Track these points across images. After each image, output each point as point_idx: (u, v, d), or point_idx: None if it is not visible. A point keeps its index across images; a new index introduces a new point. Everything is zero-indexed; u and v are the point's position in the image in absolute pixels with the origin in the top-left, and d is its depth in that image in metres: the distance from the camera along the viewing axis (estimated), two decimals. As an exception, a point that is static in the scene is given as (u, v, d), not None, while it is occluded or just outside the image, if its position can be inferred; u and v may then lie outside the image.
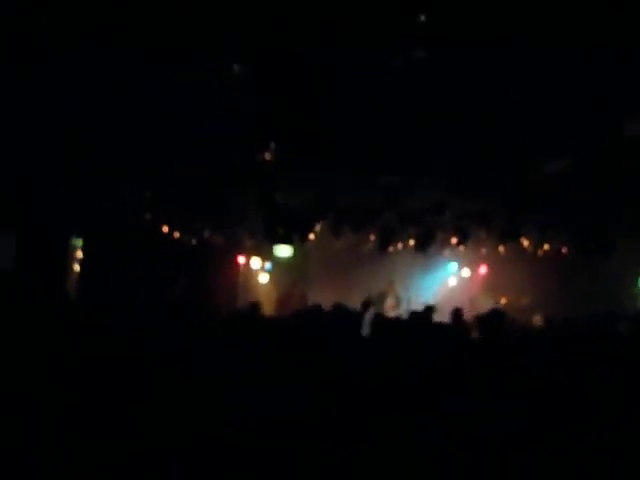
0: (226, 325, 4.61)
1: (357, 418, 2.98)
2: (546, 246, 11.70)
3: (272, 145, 7.33)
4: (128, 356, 3.61)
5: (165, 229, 10.63)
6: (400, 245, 12.01)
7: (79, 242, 9.65)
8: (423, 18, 4.42)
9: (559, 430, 2.98)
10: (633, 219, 9.18)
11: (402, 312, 10.93)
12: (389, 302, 12.51)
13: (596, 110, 5.66)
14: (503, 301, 12.92)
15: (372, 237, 11.60)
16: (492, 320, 5.05)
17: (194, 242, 11.76)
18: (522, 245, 11.53)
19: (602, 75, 4.97)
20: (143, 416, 2.98)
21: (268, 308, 11.91)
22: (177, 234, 11.02)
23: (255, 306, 6.26)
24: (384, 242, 11.06)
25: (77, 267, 9.73)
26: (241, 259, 13.25)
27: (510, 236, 10.56)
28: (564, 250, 11.79)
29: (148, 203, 9.33)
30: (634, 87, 5.19)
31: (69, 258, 9.51)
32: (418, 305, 11.71)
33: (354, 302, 8.02)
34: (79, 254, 9.73)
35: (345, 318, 5.30)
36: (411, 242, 11.42)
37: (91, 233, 9.37)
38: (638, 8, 4.12)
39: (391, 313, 11.77)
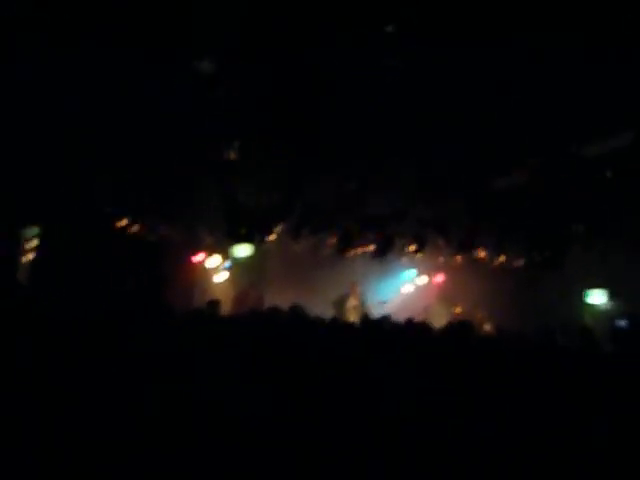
0: (184, 324, 4.53)
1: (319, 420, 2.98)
2: (502, 258, 11.94)
3: (236, 144, 7.29)
4: (77, 350, 3.52)
5: (123, 223, 10.46)
6: (359, 250, 12.09)
7: (34, 231, 9.42)
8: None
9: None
10: (583, 233, 9.44)
11: (362, 313, 11.01)
12: (351, 303, 12.51)
13: (553, 129, 5.81)
14: (457, 310, 13.10)
15: (332, 241, 11.66)
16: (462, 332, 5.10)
17: (152, 238, 11.59)
18: (479, 256, 11.75)
19: (558, 96, 5.10)
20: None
21: (224, 307, 11.81)
22: (135, 228, 10.84)
23: (214, 305, 6.21)
24: (344, 246, 11.12)
25: (29, 257, 9.49)
26: (199, 257, 13.11)
27: (467, 246, 10.74)
28: (517, 262, 12.05)
29: (107, 195, 9.17)
30: (591, 111, 5.34)
31: (21, 247, 9.28)
32: (375, 308, 11.87)
33: (312, 304, 8.02)
34: (32, 243, 9.50)
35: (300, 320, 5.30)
36: (370, 247, 11.51)
37: (47, 223, 9.17)
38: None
39: (353, 315, 11.83)
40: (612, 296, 11.81)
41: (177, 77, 5.27)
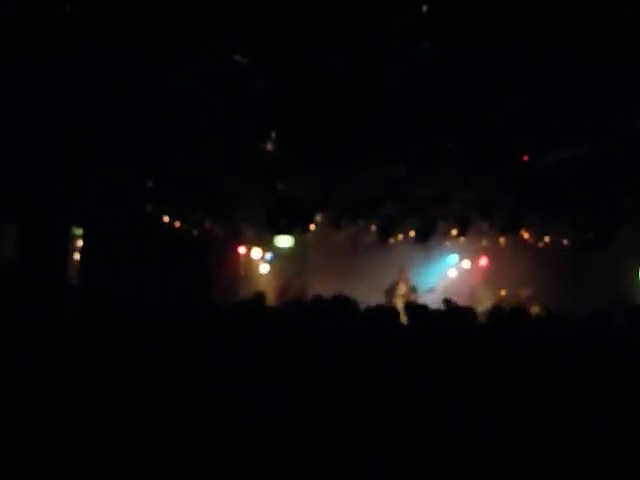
0: (231, 317, 4.57)
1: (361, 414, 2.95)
2: (547, 238, 11.71)
3: (273, 135, 7.28)
4: (129, 347, 3.57)
5: (166, 219, 10.62)
6: (401, 236, 12.01)
7: (79, 231, 9.65)
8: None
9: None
10: (632, 210, 9.17)
11: (412, 300, 10.93)
12: (401, 290, 12.42)
13: (600, 103, 5.63)
14: (503, 293, 12.93)
15: (373, 228, 11.61)
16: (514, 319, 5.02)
17: (195, 233, 11.76)
18: (523, 237, 11.54)
19: (610, 71, 4.94)
20: (143, 412, 2.94)
21: (269, 298, 11.90)
22: (178, 224, 11.01)
23: (260, 296, 6.25)
24: (384, 233, 11.04)
25: (77, 256, 9.72)
26: (242, 249, 13.25)
27: (511, 228, 10.55)
28: (565, 242, 11.80)
29: (149, 193, 9.31)
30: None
31: (70, 246, 9.51)
32: (423, 295, 11.76)
33: (355, 292, 8.00)
34: (79, 243, 9.72)
35: (345, 308, 5.28)
36: (412, 233, 11.42)
37: (92, 222, 9.36)
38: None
39: (401, 303, 11.72)
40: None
41: (209, 69, 5.28)
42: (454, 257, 13.91)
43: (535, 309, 10.22)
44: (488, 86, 5.42)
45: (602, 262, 11.09)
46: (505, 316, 5.26)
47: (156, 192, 9.34)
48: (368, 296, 10.40)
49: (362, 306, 5.66)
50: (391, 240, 11.62)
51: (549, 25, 4.25)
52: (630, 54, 4.59)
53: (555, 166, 7.12)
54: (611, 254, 10.32)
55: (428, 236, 10.78)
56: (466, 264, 14.01)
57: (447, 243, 12.97)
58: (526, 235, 11.51)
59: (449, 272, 14.01)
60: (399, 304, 11.54)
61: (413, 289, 12.27)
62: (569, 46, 4.54)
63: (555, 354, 3.81)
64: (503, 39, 4.59)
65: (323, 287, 10.38)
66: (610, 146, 6.40)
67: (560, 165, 7.06)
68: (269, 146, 7.71)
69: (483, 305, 10.23)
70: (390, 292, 12.27)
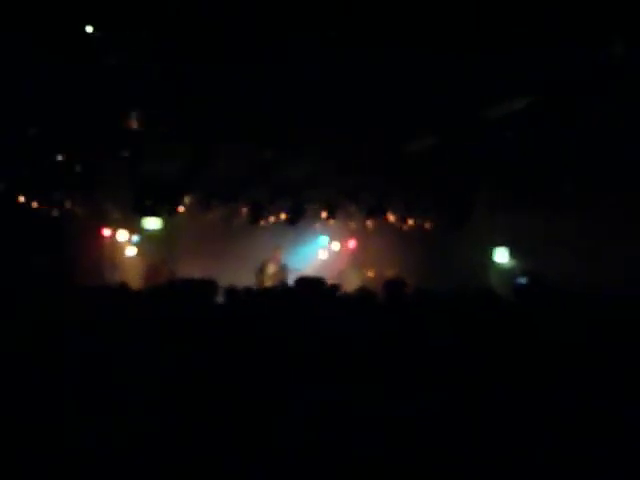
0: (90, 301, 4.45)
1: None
2: (410, 221, 12.26)
3: (138, 112, 7.07)
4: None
5: (21, 199, 9.98)
6: (272, 218, 12.10)
7: None
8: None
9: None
10: (487, 194, 9.81)
11: (281, 279, 11.03)
12: (270, 269, 12.39)
13: (455, 96, 5.99)
14: (370, 274, 13.41)
15: (244, 210, 11.60)
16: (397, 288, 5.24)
17: (55, 214, 11.15)
18: (388, 220, 12.01)
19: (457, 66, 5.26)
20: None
21: (135, 282, 11.60)
22: (35, 205, 10.39)
23: (123, 286, 6.10)
24: (255, 215, 11.09)
25: None
26: (107, 232, 12.75)
27: (377, 212, 10.96)
28: (426, 225, 12.42)
29: (1, 170, 8.71)
30: (492, 75, 5.53)
31: None
32: (292, 273, 11.91)
33: (225, 275, 7.98)
34: None
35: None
36: (282, 215, 11.55)
37: None
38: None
39: (272, 281, 11.74)
40: (513, 254, 12.35)
41: (66, 43, 5.02)
42: (324, 239, 14.19)
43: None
44: (356, 75, 5.59)
45: (460, 245, 11.75)
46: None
47: (9, 170, 8.76)
48: (239, 278, 10.46)
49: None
50: (262, 222, 11.68)
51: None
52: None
53: (415, 154, 7.48)
54: (469, 237, 11.00)
55: (298, 218, 10.96)
56: (336, 246, 14.35)
57: (317, 226, 13.21)
58: (392, 218, 11.97)
59: (320, 254, 14.28)
60: (269, 283, 11.68)
61: (283, 267, 12.40)
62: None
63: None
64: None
65: (193, 270, 10.27)
66: (459, 136, 6.82)
67: (419, 153, 7.43)
68: (134, 123, 7.48)
69: (351, 285, 10.56)
70: (260, 272, 12.34)
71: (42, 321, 3.83)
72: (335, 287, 6.17)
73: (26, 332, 3.57)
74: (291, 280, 9.08)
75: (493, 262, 12.63)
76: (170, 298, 4.90)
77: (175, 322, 3.78)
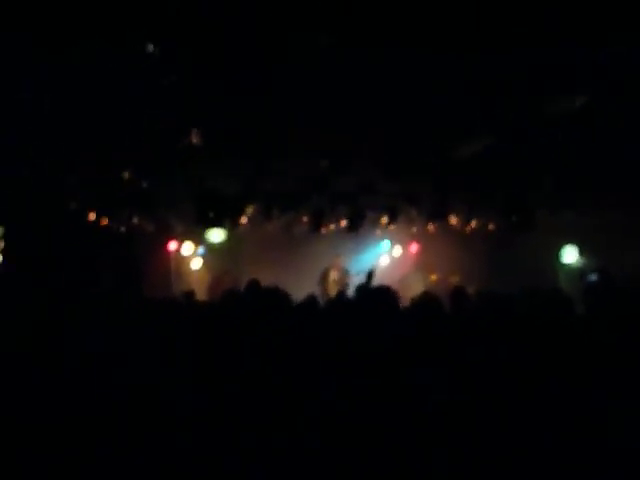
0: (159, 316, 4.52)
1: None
2: (473, 223, 12.08)
3: (197, 129, 7.23)
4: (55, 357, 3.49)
5: (92, 217, 10.37)
6: (332, 226, 12.14)
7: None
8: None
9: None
10: (552, 194, 9.56)
11: (349, 286, 11.06)
12: (333, 276, 12.51)
13: (513, 92, 5.86)
14: (433, 278, 13.27)
15: (304, 219, 11.69)
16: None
17: (123, 230, 11.52)
18: (451, 223, 11.87)
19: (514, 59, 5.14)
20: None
21: (201, 293, 11.84)
22: (105, 222, 10.76)
23: (189, 295, 6.23)
24: (316, 223, 11.15)
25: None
26: (173, 245, 13.08)
27: (438, 215, 10.84)
28: (490, 226, 12.20)
29: (72, 190, 9.07)
30: (550, 68, 5.39)
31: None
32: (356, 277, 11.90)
33: (289, 283, 8.06)
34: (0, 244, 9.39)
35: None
36: (343, 223, 11.56)
37: (12, 221, 9.06)
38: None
39: (335, 288, 11.80)
40: (582, 253, 11.99)
41: (127, 61, 5.18)
42: (386, 244, 14.14)
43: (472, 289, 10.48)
44: (402, 79, 5.55)
45: (525, 245, 11.50)
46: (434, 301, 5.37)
47: (80, 190, 9.11)
48: (302, 286, 10.54)
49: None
50: (323, 230, 11.74)
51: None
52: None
53: (473, 155, 7.36)
54: (534, 237, 10.75)
55: (358, 225, 10.94)
56: (397, 251, 14.27)
57: (378, 231, 13.17)
58: (454, 221, 11.82)
59: (381, 259, 14.23)
60: (332, 291, 11.72)
61: (345, 272, 12.42)
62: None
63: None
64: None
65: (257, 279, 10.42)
66: (521, 134, 6.67)
67: (478, 154, 7.30)
68: (194, 139, 7.66)
69: (414, 291, 10.47)
70: (323, 280, 12.39)
71: (111, 337, 3.90)
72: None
73: (96, 347, 3.65)
74: (354, 285, 9.08)
75: (561, 262, 12.32)
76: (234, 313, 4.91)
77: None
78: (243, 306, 4.66)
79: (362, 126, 6.71)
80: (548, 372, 3.16)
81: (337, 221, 11.82)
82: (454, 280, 12.79)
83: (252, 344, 3.38)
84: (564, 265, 12.30)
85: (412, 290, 10.98)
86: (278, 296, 4.99)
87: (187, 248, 13.15)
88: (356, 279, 11.38)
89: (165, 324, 4.27)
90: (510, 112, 6.11)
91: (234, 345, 3.39)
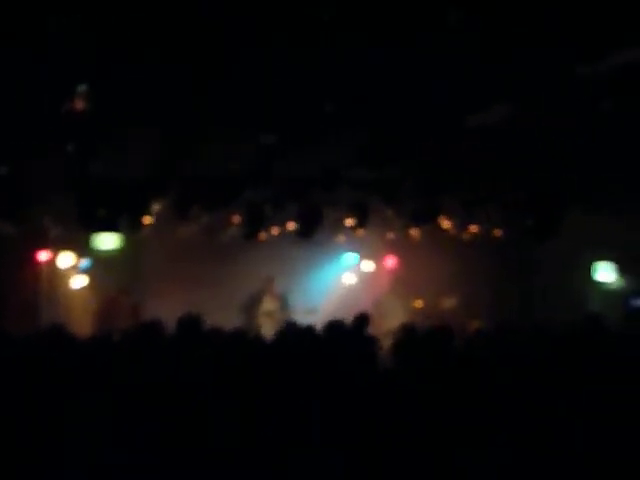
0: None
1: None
2: (473, 227, 12.20)
3: (85, 88, 7.12)
4: None
5: None
6: (275, 229, 12.12)
7: None
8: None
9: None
10: (584, 188, 9.71)
11: (282, 321, 11.03)
12: (265, 306, 12.60)
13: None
14: (418, 304, 13.35)
15: (236, 219, 11.63)
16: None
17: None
18: (442, 227, 11.96)
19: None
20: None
21: (85, 323, 11.68)
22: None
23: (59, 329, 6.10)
24: (253, 226, 11.10)
25: None
26: (44, 255, 12.86)
27: (424, 216, 10.90)
28: (497, 232, 12.34)
29: None
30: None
31: None
32: (301, 313, 11.91)
33: (208, 310, 8.03)
34: None
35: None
36: (290, 225, 11.55)
37: None
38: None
39: (267, 323, 11.82)
40: (622, 270, 12.24)
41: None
42: (351, 257, 14.17)
43: (473, 325, 10.59)
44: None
45: (545, 260, 11.68)
46: (420, 339, 5.43)
47: None
48: (227, 314, 10.50)
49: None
50: (262, 235, 11.70)
51: None
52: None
53: (479, 132, 7.43)
54: (558, 249, 10.92)
55: (313, 228, 10.94)
56: (368, 266, 14.32)
57: (341, 238, 13.20)
58: (446, 224, 11.91)
59: (344, 278, 14.26)
60: (264, 324, 11.76)
61: (284, 305, 12.48)
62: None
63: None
64: None
65: (164, 305, 10.33)
66: (546, 103, 6.77)
67: (485, 131, 7.37)
68: (79, 103, 7.53)
69: (392, 322, 10.53)
70: (250, 308, 12.41)
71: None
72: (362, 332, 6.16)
73: None
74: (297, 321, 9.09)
75: (593, 280, 12.56)
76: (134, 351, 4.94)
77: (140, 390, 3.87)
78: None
79: (324, 85, 6.73)
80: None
81: (282, 223, 11.78)
82: (448, 306, 12.90)
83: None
84: (598, 284, 12.54)
85: (389, 321, 11.04)
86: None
87: (65, 260, 12.94)
88: (301, 317, 11.28)
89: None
90: (537, 69, 6.20)
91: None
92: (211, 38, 5.97)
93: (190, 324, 5.82)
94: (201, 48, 6.14)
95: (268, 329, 10.94)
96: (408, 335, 5.57)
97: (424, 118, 7.63)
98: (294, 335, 5.78)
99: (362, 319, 7.29)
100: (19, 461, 3.59)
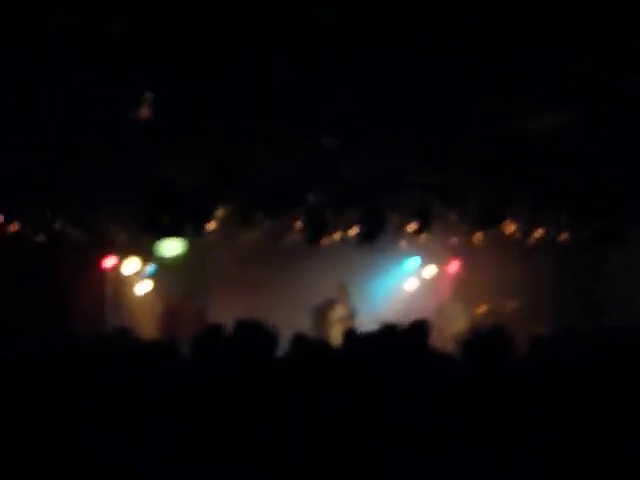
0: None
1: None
2: (539, 231, 12.07)
3: (149, 95, 7.22)
4: None
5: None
6: (338, 234, 12.11)
7: None
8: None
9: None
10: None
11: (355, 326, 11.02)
12: (337, 313, 12.62)
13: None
14: (481, 310, 13.22)
15: (298, 224, 11.66)
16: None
17: (41, 238, 11.50)
18: (506, 232, 11.84)
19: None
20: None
21: (149, 329, 11.79)
22: (15, 227, 10.75)
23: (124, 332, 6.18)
24: (315, 231, 11.10)
25: None
26: (110, 261, 13.05)
27: (489, 220, 10.80)
28: (563, 237, 12.19)
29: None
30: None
31: None
32: (367, 319, 11.86)
33: (273, 316, 8.06)
34: None
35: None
36: (353, 230, 11.53)
37: None
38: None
39: (338, 328, 11.80)
40: None
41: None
42: (413, 262, 14.12)
43: (539, 330, 10.47)
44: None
45: (614, 264, 11.50)
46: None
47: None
48: (292, 320, 10.49)
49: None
50: (324, 241, 11.70)
51: None
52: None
53: (547, 135, 7.35)
54: (628, 253, 10.74)
55: (376, 233, 10.91)
56: (430, 271, 14.25)
57: (403, 243, 13.14)
58: (511, 228, 11.80)
59: (407, 283, 14.20)
60: (335, 331, 11.71)
61: (353, 312, 12.47)
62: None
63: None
64: None
65: (228, 310, 10.37)
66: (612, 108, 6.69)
67: (553, 133, 7.29)
68: (144, 112, 7.63)
69: (456, 327, 10.46)
70: (322, 315, 12.39)
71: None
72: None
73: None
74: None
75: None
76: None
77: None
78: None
79: (385, 87, 6.71)
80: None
81: (345, 228, 11.77)
82: (510, 308, 12.76)
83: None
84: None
85: (452, 327, 10.96)
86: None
87: (130, 266, 13.12)
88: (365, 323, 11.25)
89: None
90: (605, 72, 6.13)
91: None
92: (266, 40, 6.00)
93: (249, 328, 5.80)
94: (261, 52, 6.17)
95: (338, 335, 10.92)
96: (477, 337, 5.51)
97: (486, 121, 7.61)
98: (362, 342, 5.75)
99: (421, 328, 7.00)
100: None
